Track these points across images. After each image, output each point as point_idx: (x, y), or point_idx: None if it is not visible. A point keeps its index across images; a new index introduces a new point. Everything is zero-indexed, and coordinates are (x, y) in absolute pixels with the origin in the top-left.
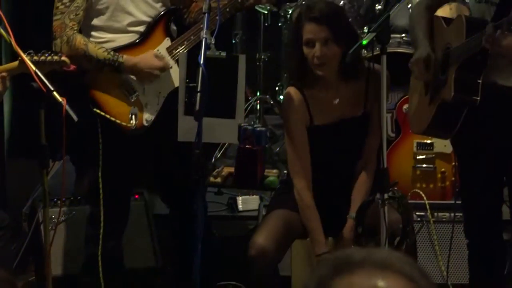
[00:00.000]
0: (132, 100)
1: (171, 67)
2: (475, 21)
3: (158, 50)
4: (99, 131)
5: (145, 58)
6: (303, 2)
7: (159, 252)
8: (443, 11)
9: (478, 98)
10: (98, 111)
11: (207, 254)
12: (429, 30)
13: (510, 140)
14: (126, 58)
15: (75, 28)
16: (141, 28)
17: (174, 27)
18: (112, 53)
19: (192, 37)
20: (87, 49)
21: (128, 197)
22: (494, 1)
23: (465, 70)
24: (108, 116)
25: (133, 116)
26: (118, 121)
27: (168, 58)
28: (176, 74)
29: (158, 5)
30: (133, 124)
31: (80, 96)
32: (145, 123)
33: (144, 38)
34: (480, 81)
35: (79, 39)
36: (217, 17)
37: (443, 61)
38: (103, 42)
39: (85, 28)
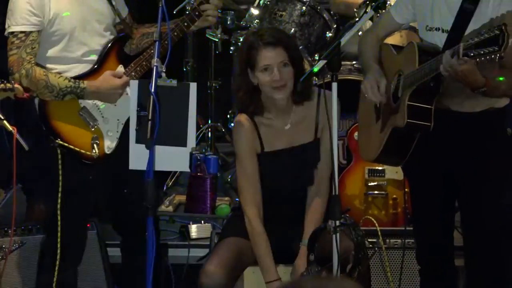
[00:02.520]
0: (93, 129)
1: (127, 94)
2: (427, 48)
3: (109, 72)
4: (59, 161)
5: (105, 79)
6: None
7: (112, 280)
8: (394, 38)
9: (431, 124)
10: (60, 142)
11: (159, 282)
12: (378, 57)
13: (462, 166)
14: (88, 83)
15: (32, 62)
16: (94, 58)
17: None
18: (73, 80)
19: (144, 63)
20: (48, 79)
21: (85, 227)
22: (445, 29)
23: (418, 97)
24: (71, 146)
25: (95, 145)
26: (81, 150)
27: (120, 73)
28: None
29: (108, 33)
30: (96, 153)
31: (38, 127)
32: (106, 151)
33: (99, 66)
34: (432, 107)
35: (39, 71)
36: (166, 42)
37: (395, 88)
38: (58, 73)
39: (39, 60)
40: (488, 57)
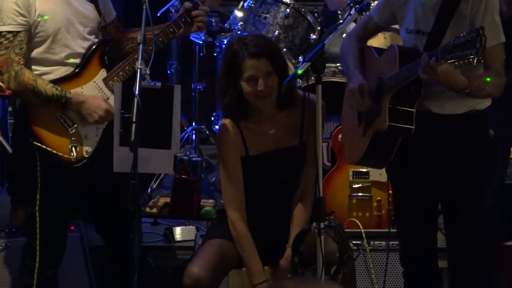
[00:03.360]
0: (71, 132)
1: (108, 98)
2: (408, 50)
3: (95, 81)
4: (38, 163)
5: (94, 98)
6: (237, 33)
7: (95, 283)
8: (378, 41)
9: (413, 127)
10: (38, 144)
11: (143, 285)
12: (360, 60)
13: (444, 168)
14: (74, 95)
15: (22, 63)
16: (77, 60)
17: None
18: (59, 89)
19: (127, 67)
20: (36, 84)
21: (65, 228)
22: (425, 31)
23: (399, 100)
24: (49, 149)
25: (73, 148)
26: (59, 153)
27: (105, 89)
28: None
29: (92, 36)
30: (73, 156)
31: (18, 129)
32: (85, 155)
33: (81, 69)
34: (414, 110)
35: (28, 75)
36: (150, 48)
37: (376, 91)
38: (40, 75)
39: None
40: (466, 60)
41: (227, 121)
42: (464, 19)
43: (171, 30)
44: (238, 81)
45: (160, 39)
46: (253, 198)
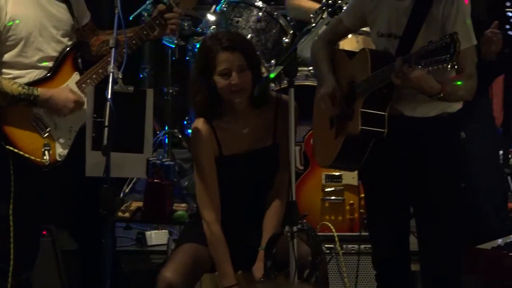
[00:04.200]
0: (44, 136)
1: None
2: (380, 54)
3: (67, 85)
4: (11, 167)
5: (60, 91)
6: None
7: (68, 287)
8: (350, 44)
9: (385, 131)
10: (11, 148)
11: None
12: (331, 63)
13: (416, 170)
14: (42, 91)
15: None
16: (50, 64)
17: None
18: (26, 87)
19: (100, 70)
20: (1, 86)
21: (38, 232)
22: (397, 34)
23: (371, 103)
24: (21, 152)
25: (46, 152)
26: (32, 157)
27: (78, 92)
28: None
29: (65, 39)
30: (47, 160)
31: None
32: (58, 158)
33: (54, 73)
34: (386, 113)
35: None
36: (124, 50)
37: (348, 95)
38: (13, 78)
39: None
40: (440, 65)
41: (200, 122)
42: (436, 22)
43: (144, 32)
44: (211, 76)
45: (133, 41)
46: (226, 200)
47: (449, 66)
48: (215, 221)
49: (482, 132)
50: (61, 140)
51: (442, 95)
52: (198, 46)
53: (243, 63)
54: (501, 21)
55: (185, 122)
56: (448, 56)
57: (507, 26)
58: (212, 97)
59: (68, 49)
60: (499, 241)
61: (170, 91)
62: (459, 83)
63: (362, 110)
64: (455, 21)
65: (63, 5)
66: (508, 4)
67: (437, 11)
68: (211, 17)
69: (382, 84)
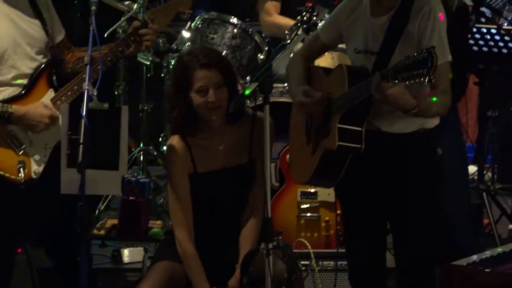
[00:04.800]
0: (19, 153)
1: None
2: (357, 70)
3: (42, 102)
4: None
5: (35, 107)
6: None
7: None
8: (325, 60)
9: (362, 146)
10: None
11: None
12: (307, 79)
13: (393, 186)
14: (16, 108)
15: None
16: (25, 81)
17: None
18: (0, 104)
19: (75, 87)
20: None
21: (13, 249)
22: (373, 51)
23: (348, 119)
24: None
25: (21, 169)
26: (6, 174)
27: (53, 108)
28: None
29: (40, 57)
30: (22, 177)
31: None
32: (33, 176)
33: (28, 90)
34: (363, 129)
35: None
36: (98, 67)
37: (325, 111)
38: None
39: None
40: (417, 79)
41: (175, 138)
42: (412, 38)
43: (119, 49)
44: (188, 93)
45: (108, 58)
46: (201, 217)
47: (426, 80)
48: (187, 239)
49: (450, 149)
50: (36, 157)
51: (416, 110)
52: (173, 63)
53: (220, 80)
54: (465, 36)
55: (160, 139)
56: (425, 70)
57: (471, 41)
58: (189, 113)
59: (42, 66)
60: (474, 257)
61: (145, 108)
62: (434, 99)
63: (339, 126)
64: (431, 37)
65: (37, 22)
66: (472, 18)
67: (413, 27)
68: (186, 34)
69: (358, 100)
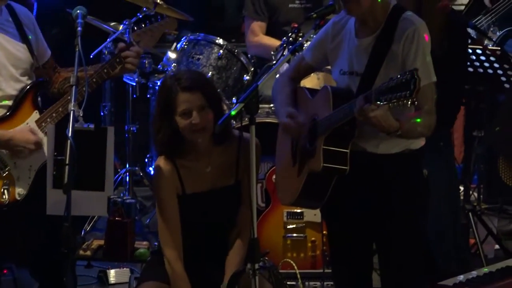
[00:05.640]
0: (4, 175)
1: (41, 140)
2: (341, 92)
3: (27, 123)
4: None
5: (20, 132)
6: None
7: None
8: (311, 81)
9: (347, 168)
10: None
11: None
12: (293, 100)
13: (379, 207)
14: (1, 132)
15: None
16: (10, 103)
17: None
18: None
19: (60, 109)
20: None
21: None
22: (358, 72)
23: (333, 141)
24: None
25: (5, 191)
26: None
27: (38, 131)
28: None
29: (25, 78)
30: (6, 199)
31: None
32: (17, 197)
33: (13, 112)
34: (348, 151)
35: None
36: (84, 88)
37: (310, 132)
38: None
39: None
40: (400, 101)
41: (162, 159)
42: (396, 59)
43: (105, 71)
44: (173, 116)
45: (94, 80)
46: (188, 237)
47: (409, 102)
48: (176, 258)
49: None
50: (21, 179)
51: (400, 132)
52: (158, 83)
53: (203, 102)
54: (463, 58)
55: (146, 160)
56: (408, 92)
57: (468, 63)
58: (174, 136)
59: (27, 88)
60: (461, 277)
61: (131, 128)
62: (418, 120)
63: (324, 147)
64: (415, 58)
65: (23, 45)
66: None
67: (397, 48)
68: (172, 55)
69: (343, 122)
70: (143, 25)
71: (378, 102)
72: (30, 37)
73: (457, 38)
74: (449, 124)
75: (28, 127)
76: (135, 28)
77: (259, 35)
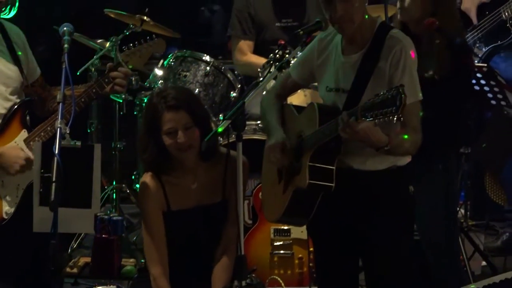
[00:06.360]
0: None
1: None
2: (328, 108)
3: (15, 142)
4: None
5: (11, 149)
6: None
7: None
8: (298, 98)
9: (333, 185)
10: None
11: None
12: (280, 117)
13: (365, 224)
14: None
15: None
16: None
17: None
18: None
19: (48, 128)
20: None
21: None
22: (345, 89)
23: (319, 157)
24: None
25: None
26: None
27: (26, 150)
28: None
29: (14, 97)
30: None
31: None
32: (4, 216)
33: (1, 130)
34: (334, 167)
35: None
36: (71, 107)
37: (296, 149)
38: None
39: None
40: (386, 118)
41: (148, 176)
42: (383, 76)
43: (94, 91)
44: (159, 134)
45: (82, 100)
46: (174, 254)
47: (395, 118)
48: (162, 275)
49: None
50: (8, 198)
51: (388, 147)
52: (145, 101)
53: (189, 121)
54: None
55: (133, 177)
56: (394, 108)
57: (474, 81)
58: (161, 153)
59: (16, 107)
60: None
61: (118, 145)
62: (405, 136)
63: (310, 164)
64: (401, 75)
65: (13, 64)
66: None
67: (384, 65)
68: (158, 72)
69: (329, 138)
70: (131, 45)
71: (363, 119)
72: (20, 53)
73: (458, 58)
74: (451, 145)
75: (17, 145)
76: (124, 48)
77: (247, 54)
